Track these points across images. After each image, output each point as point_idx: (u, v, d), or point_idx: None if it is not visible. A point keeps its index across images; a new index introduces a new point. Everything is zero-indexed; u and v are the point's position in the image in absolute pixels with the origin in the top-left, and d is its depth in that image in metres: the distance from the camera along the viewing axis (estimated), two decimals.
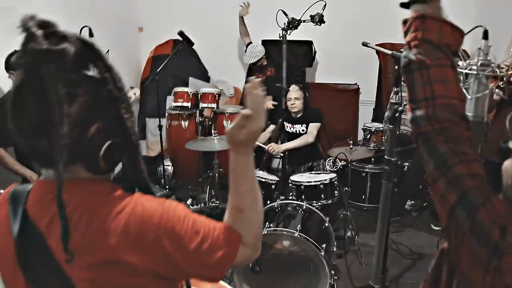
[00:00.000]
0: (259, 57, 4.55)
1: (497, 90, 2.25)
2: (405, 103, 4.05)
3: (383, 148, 4.14)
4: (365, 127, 4.25)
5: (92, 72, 0.85)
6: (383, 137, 4.20)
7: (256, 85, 0.96)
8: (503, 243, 0.74)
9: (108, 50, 2.38)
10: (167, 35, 5.11)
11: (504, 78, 2.49)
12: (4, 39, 2.89)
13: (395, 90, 1.57)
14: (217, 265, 0.87)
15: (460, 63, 1.10)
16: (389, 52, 1.53)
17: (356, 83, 5.03)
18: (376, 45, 4.79)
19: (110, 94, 0.86)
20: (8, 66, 2.75)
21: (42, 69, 0.78)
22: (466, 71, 1.02)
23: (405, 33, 0.90)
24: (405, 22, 0.90)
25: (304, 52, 4.81)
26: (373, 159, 4.20)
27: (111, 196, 0.86)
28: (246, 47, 4.65)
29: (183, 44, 3.85)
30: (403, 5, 0.91)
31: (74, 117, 0.79)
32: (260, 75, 4.62)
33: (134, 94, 4.12)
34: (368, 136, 4.20)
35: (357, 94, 5.05)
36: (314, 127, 3.76)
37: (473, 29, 1.06)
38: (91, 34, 2.44)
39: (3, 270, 0.90)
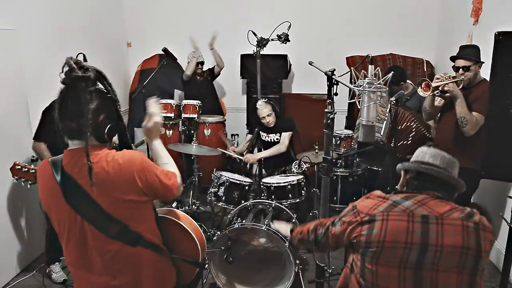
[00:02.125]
0: (203, 59, 5.15)
1: (391, 99, 2.63)
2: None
3: (351, 152, 4.50)
4: (335, 134, 4.59)
5: (101, 86, 1.51)
6: (352, 143, 4.56)
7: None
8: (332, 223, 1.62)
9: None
10: (154, 50, 5.47)
11: (440, 88, 2.88)
12: (7, 58, 3.24)
13: (328, 101, 1.92)
14: (173, 185, 1.57)
15: (359, 82, 1.47)
16: (322, 70, 1.88)
17: None
18: (346, 57, 5.24)
19: (111, 98, 1.51)
20: None
21: (78, 85, 1.40)
22: (359, 89, 1.38)
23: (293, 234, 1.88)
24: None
25: (280, 65, 5.18)
26: (342, 163, 4.56)
27: (111, 153, 1.50)
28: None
29: (167, 60, 4.19)
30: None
31: (92, 110, 1.42)
32: (200, 78, 5.20)
33: None
34: (339, 141, 4.55)
35: None
36: (285, 136, 4.06)
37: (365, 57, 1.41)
38: (85, 59, 2.81)
39: (55, 206, 1.50)
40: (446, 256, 1.35)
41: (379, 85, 1.35)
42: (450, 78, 2.95)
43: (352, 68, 1.47)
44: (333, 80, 1.80)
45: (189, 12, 5.57)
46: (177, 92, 5.52)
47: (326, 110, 1.90)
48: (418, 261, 1.36)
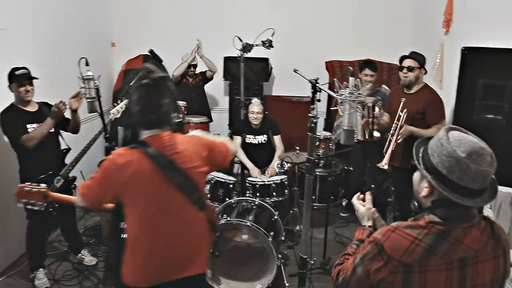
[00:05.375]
0: (196, 62, 5.21)
1: (369, 104, 2.86)
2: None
3: (331, 153, 4.71)
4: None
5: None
6: (330, 144, 4.76)
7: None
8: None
9: (99, 76, 2.90)
10: (137, 50, 5.56)
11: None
12: None
13: (312, 107, 2.10)
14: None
15: (341, 91, 1.64)
16: (307, 78, 2.05)
17: (308, 96, 5.55)
18: (325, 62, 5.45)
19: (173, 93, 1.80)
20: (12, 79, 3.07)
21: (160, 84, 1.74)
22: (341, 97, 1.56)
23: None
24: None
25: (261, 68, 5.37)
26: (321, 163, 4.76)
27: (182, 135, 1.86)
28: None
29: (153, 61, 4.29)
30: None
31: (171, 103, 1.76)
32: (192, 80, 5.30)
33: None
34: (317, 143, 4.73)
35: (309, 106, 5.61)
36: (278, 139, 4.37)
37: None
38: (87, 63, 2.89)
39: (153, 187, 1.72)
40: None
41: (359, 95, 1.53)
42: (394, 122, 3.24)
43: (335, 79, 1.64)
44: (317, 87, 1.97)
45: (173, 13, 5.67)
46: None
47: (310, 114, 2.07)
48: None
